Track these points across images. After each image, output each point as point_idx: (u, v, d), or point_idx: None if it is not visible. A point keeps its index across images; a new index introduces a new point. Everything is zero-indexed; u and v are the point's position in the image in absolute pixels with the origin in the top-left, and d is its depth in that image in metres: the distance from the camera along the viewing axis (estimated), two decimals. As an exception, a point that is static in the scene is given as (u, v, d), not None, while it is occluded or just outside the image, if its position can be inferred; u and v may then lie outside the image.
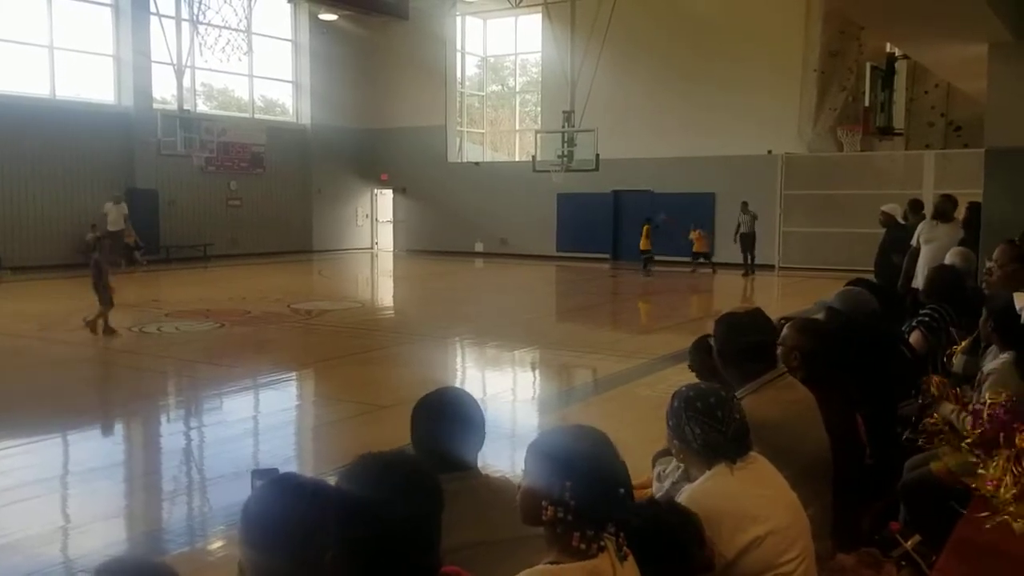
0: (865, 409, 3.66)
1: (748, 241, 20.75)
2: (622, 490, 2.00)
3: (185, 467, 7.03)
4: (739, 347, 3.17)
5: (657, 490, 2.75)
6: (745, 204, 20.62)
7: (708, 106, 23.57)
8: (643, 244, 21.77)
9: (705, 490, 2.48)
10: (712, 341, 3.35)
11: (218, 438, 7.73)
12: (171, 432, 8.24)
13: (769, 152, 22.64)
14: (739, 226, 20.77)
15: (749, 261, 20.89)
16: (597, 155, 21.43)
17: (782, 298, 17.45)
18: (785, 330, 3.65)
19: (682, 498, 2.49)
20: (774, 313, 4.19)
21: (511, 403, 9.18)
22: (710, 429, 2.50)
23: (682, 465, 2.76)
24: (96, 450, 7.44)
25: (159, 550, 4.94)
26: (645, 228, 21.92)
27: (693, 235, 21.58)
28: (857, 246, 17.93)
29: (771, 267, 22.14)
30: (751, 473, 2.50)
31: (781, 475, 2.59)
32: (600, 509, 1.96)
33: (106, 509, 5.86)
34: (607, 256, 25.19)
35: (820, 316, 4.59)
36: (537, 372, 10.97)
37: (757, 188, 22.37)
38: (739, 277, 20.35)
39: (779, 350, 3.43)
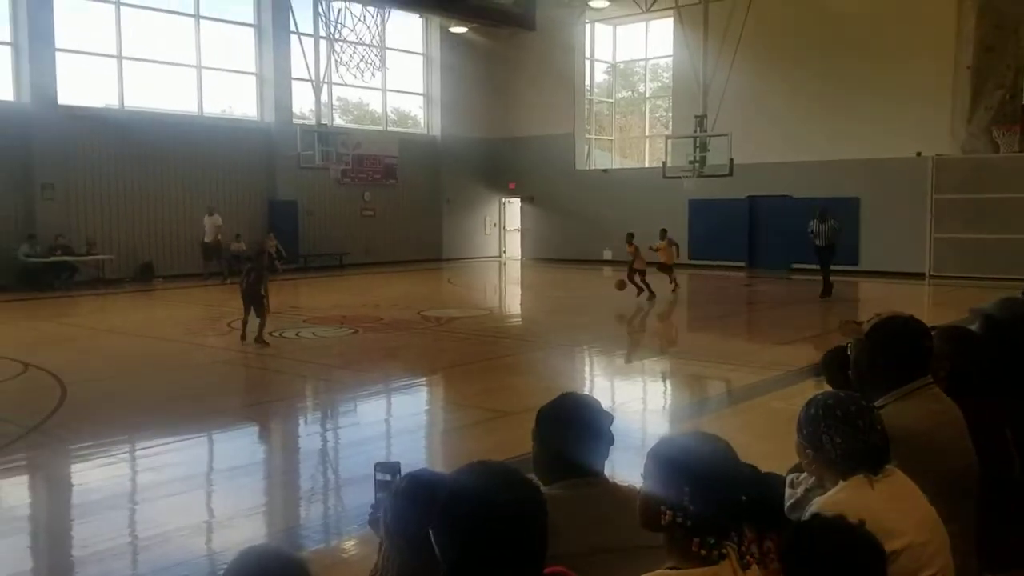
0: (1016, 423, 3.37)
1: (824, 256, 17.45)
2: (744, 497, 1.96)
3: (321, 467, 7.23)
4: (892, 354, 2.99)
5: (789, 496, 2.61)
6: (823, 213, 17.51)
7: (850, 107, 22.59)
8: (664, 257, 18.76)
9: (839, 501, 2.35)
10: (850, 351, 3.18)
11: (352, 440, 7.93)
12: (308, 433, 8.52)
13: (918, 154, 21.47)
14: (813, 237, 17.43)
15: (827, 280, 17.45)
16: (731, 160, 20.87)
17: (932, 308, 16.45)
18: (934, 338, 3.42)
19: (813, 508, 2.37)
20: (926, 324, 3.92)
21: (640, 413, 9.00)
22: (850, 438, 2.39)
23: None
24: (238, 449, 7.76)
25: (297, 546, 5.07)
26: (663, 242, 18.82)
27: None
28: (1015, 253, 16.74)
29: (921, 275, 20.99)
30: (889, 486, 2.40)
31: (920, 489, 2.47)
32: (720, 515, 1.93)
33: (248, 505, 6.08)
34: (742, 264, 24.49)
35: (974, 326, 4.26)
36: (667, 382, 10.73)
37: (905, 192, 21.26)
38: (848, 288, 18.94)
39: None
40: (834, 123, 22.82)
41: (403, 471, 2.23)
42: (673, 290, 18.36)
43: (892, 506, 2.35)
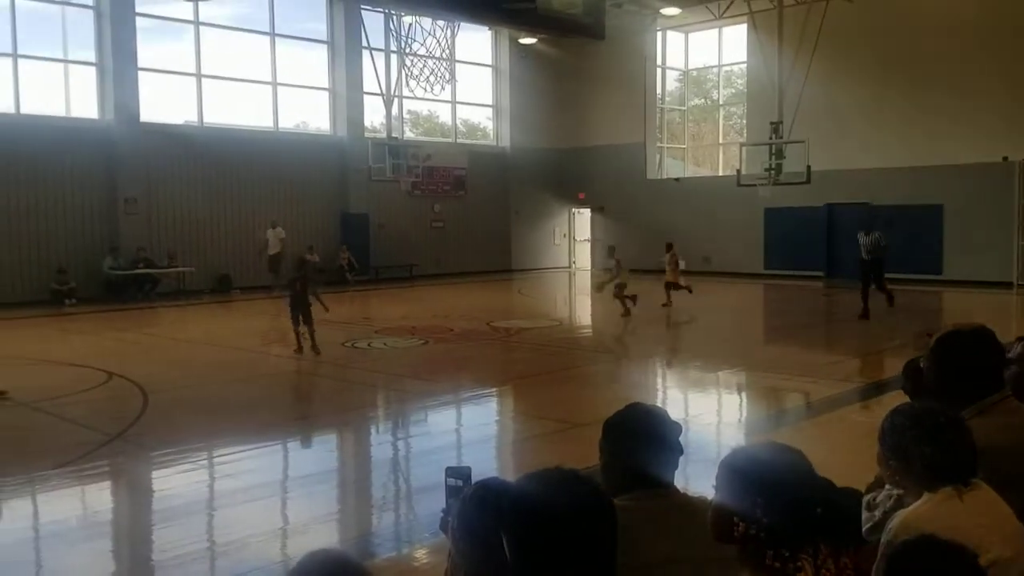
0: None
1: (871, 270, 15.64)
2: (819, 510, 1.92)
3: (392, 476, 7.26)
4: (962, 367, 2.91)
5: (867, 520, 2.51)
6: (870, 224, 16.00)
7: (932, 110, 21.88)
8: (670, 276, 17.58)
9: (923, 514, 2.26)
10: (922, 362, 3.10)
11: (423, 449, 7.94)
12: (380, 442, 8.57)
13: (1005, 159, 20.65)
14: (860, 250, 15.80)
15: (865, 298, 15.55)
16: (808, 167, 20.40)
17: (1021, 318, 15.77)
18: (1019, 349, 3.29)
19: (895, 523, 2.30)
20: (1012, 335, 3.73)
21: (715, 425, 8.82)
22: (940, 450, 2.32)
23: (894, 493, 2.56)
24: (312, 457, 7.85)
25: (369, 554, 5.08)
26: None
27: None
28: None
29: (1008, 285, 20.15)
30: (975, 500, 2.32)
31: (1007, 504, 2.38)
32: (794, 528, 1.90)
33: (321, 512, 6.14)
34: (820, 274, 23.89)
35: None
36: (743, 394, 10.49)
37: (990, 198, 20.48)
38: (922, 298, 18.15)
39: (1009, 371, 3.15)
40: (915, 128, 22.14)
41: (473, 478, 2.20)
42: (663, 304, 17.23)
43: (980, 520, 2.27)
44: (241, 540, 5.42)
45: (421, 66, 17.43)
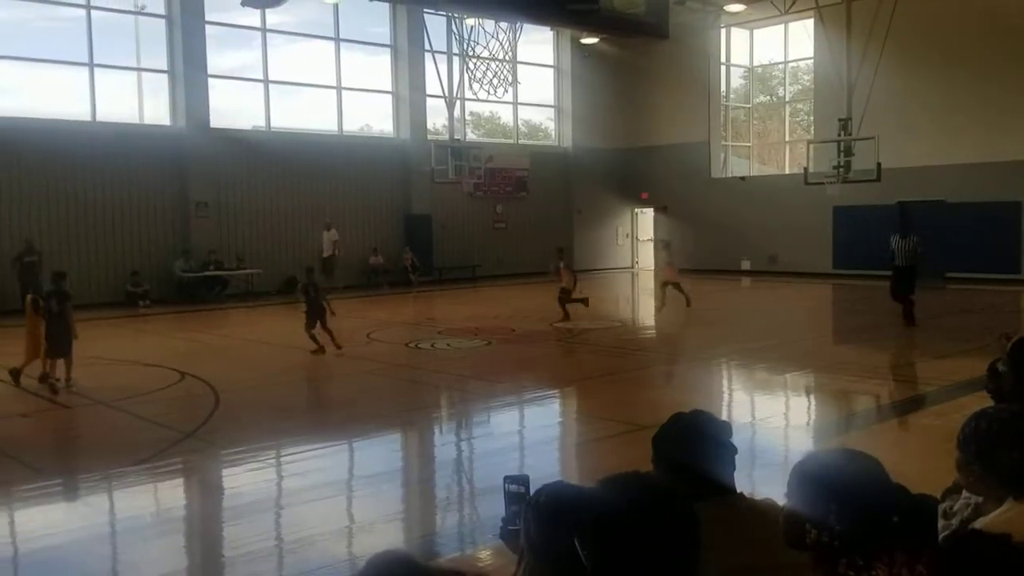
0: None
1: (903, 279, 14.63)
2: (895, 517, 1.85)
3: (456, 477, 7.29)
4: None
5: (944, 528, 2.42)
6: (905, 227, 15.26)
7: (1010, 105, 21.12)
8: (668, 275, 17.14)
9: (1006, 522, 2.18)
10: (999, 365, 2.94)
11: (486, 450, 7.96)
12: (444, 443, 8.62)
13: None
14: (892, 256, 14.77)
15: (907, 305, 14.49)
16: (878, 164, 19.87)
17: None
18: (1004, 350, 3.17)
19: (979, 528, 2.23)
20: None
21: (782, 429, 8.63)
22: None
23: (972, 501, 2.50)
24: (378, 456, 7.92)
25: (433, 554, 5.10)
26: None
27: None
28: None
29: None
30: None
31: None
32: (868, 535, 1.85)
33: (387, 512, 6.19)
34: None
35: None
36: (811, 397, 10.26)
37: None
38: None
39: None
40: (991, 122, 21.39)
41: (536, 484, 2.20)
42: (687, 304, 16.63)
43: None
44: (308, 538, 5.50)
45: (484, 69, 17.45)
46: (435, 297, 21.94)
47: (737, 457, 2.51)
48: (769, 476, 6.15)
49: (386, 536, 5.63)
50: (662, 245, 17.15)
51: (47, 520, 5.96)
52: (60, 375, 10.08)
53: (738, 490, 2.47)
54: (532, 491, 2.06)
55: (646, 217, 29.98)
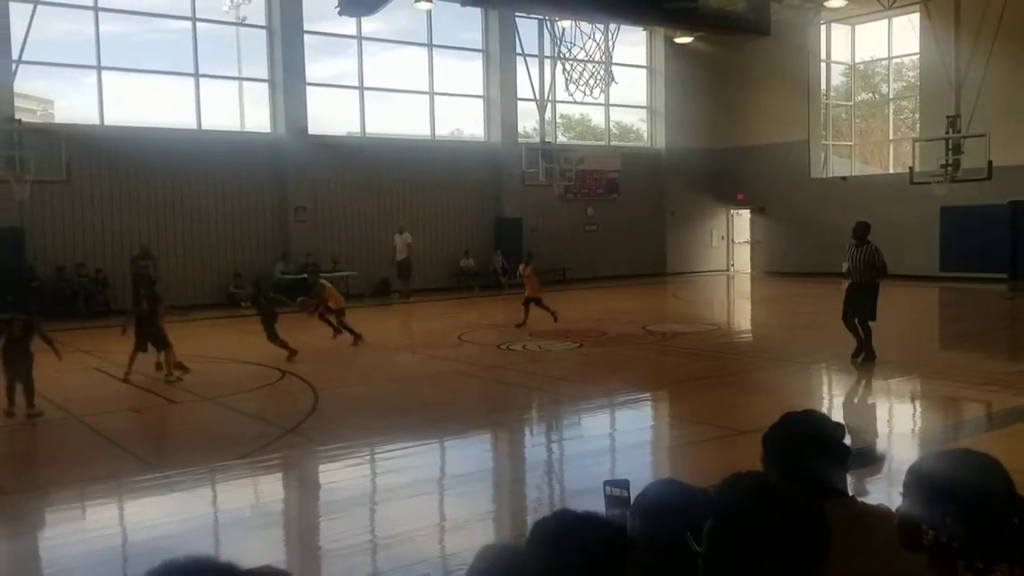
0: None
1: (857, 299, 11.31)
2: (1016, 520, 1.80)
3: (547, 478, 7.26)
4: None
5: None
6: (862, 232, 12.30)
7: None
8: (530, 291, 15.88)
9: None
10: None
11: (577, 453, 7.90)
12: (534, 444, 8.62)
13: None
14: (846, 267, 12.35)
15: (863, 335, 11.80)
16: (989, 162, 18.95)
17: None
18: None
19: None
20: None
21: (886, 436, 8.31)
22: None
23: None
24: (470, 456, 7.97)
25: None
26: None
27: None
28: None
29: None
30: None
31: None
32: (988, 537, 1.78)
33: (480, 511, 6.21)
34: (1003, 275, 22.13)
35: None
36: (917, 403, 9.84)
37: None
38: None
39: None
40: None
41: (635, 489, 2.17)
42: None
43: None
44: (402, 535, 5.56)
45: (581, 70, 17.33)
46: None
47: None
48: (871, 483, 5.93)
49: (480, 535, 5.65)
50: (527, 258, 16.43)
51: (156, 511, 6.20)
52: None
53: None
54: (633, 495, 2.04)
55: (742, 219, 29.36)
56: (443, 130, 25.06)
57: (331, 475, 7.10)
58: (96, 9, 19.46)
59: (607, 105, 27.53)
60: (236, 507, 6.36)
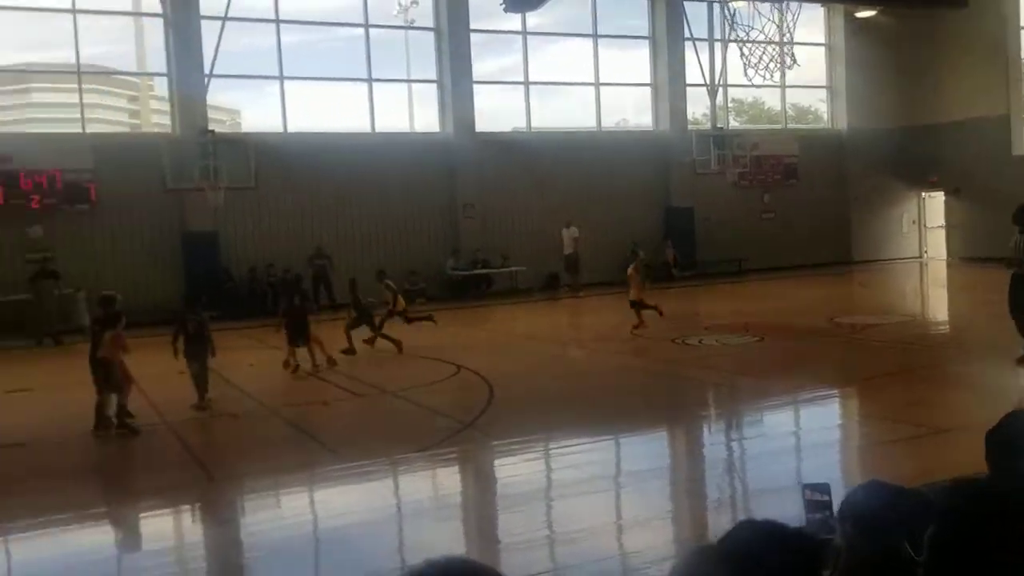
0: None
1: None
2: None
3: (728, 477, 6.99)
4: None
5: None
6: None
7: None
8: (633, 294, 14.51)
9: None
10: None
11: (760, 451, 7.56)
12: (713, 442, 8.34)
13: None
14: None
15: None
16: None
17: None
18: None
19: None
20: None
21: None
22: None
23: None
24: (645, 453, 7.82)
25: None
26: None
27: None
28: None
29: None
30: None
31: None
32: None
33: (658, 509, 6.07)
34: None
35: None
36: None
37: None
38: None
39: None
40: None
41: (828, 490, 2.00)
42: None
43: None
44: (580, 531, 5.51)
45: (760, 53, 16.62)
46: (699, 292, 21.43)
47: None
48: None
49: (659, 533, 5.52)
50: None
51: (345, 500, 6.47)
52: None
53: None
54: (834, 498, 1.91)
55: (935, 202, 27.30)
56: (609, 121, 24.88)
57: (508, 469, 7.16)
58: (278, 21, 20.65)
59: (783, 87, 26.33)
60: (418, 498, 6.53)
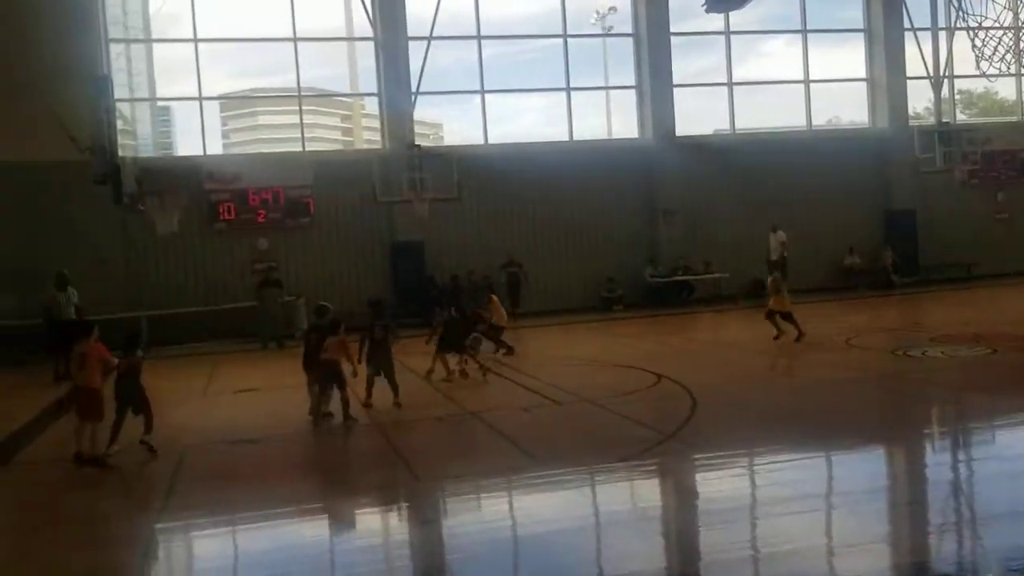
0: None
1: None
2: None
3: (952, 500, 6.40)
4: None
5: None
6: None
7: None
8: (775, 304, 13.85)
9: None
10: None
11: (990, 474, 6.88)
12: (937, 462, 7.70)
13: None
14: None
15: None
16: None
17: None
18: None
19: None
20: None
21: None
22: None
23: None
24: (861, 471, 7.29)
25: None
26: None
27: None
28: None
29: None
30: None
31: None
32: None
33: (871, 532, 5.64)
34: None
35: None
36: None
37: None
38: None
39: None
40: None
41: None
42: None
43: None
44: (789, 551, 5.23)
45: (995, 44, 15.17)
46: (922, 299, 19.90)
47: None
48: None
49: (872, 558, 5.13)
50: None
51: (543, 506, 6.50)
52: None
53: None
54: None
55: None
56: (820, 119, 23.70)
57: (712, 484, 6.92)
58: (479, 38, 21.30)
59: (1018, 75, 23.98)
60: (617, 509, 6.44)
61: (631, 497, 6.83)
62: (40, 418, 10.56)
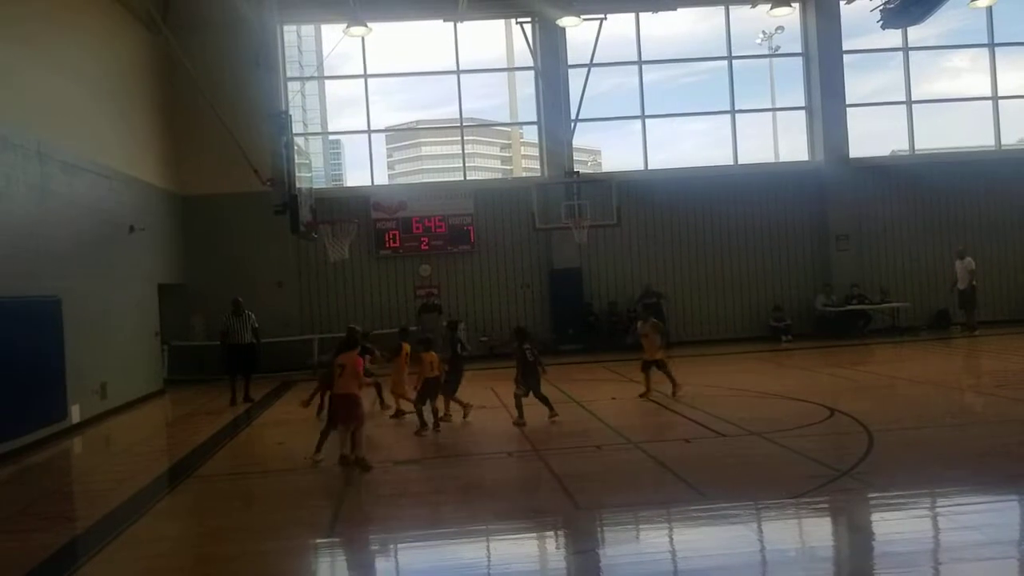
0: None
1: None
2: None
3: None
4: None
5: None
6: None
7: None
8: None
9: None
10: None
11: None
12: None
13: None
14: None
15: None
16: None
17: None
18: None
19: None
20: None
21: None
22: None
23: None
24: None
25: None
26: None
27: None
28: None
29: None
30: None
31: None
32: None
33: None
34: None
35: None
36: None
37: None
38: None
39: None
40: None
41: None
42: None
43: None
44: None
45: None
46: None
47: None
48: None
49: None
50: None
51: (708, 541, 6.20)
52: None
53: None
54: None
55: None
56: (1011, 138, 21.96)
57: (891, 525, 6.38)
58: (640, 63, 21.15)
59: None
60: (786, 547, 6.06)
61: (801, 535, 6.41)
62: (217, 435, 11.22)
